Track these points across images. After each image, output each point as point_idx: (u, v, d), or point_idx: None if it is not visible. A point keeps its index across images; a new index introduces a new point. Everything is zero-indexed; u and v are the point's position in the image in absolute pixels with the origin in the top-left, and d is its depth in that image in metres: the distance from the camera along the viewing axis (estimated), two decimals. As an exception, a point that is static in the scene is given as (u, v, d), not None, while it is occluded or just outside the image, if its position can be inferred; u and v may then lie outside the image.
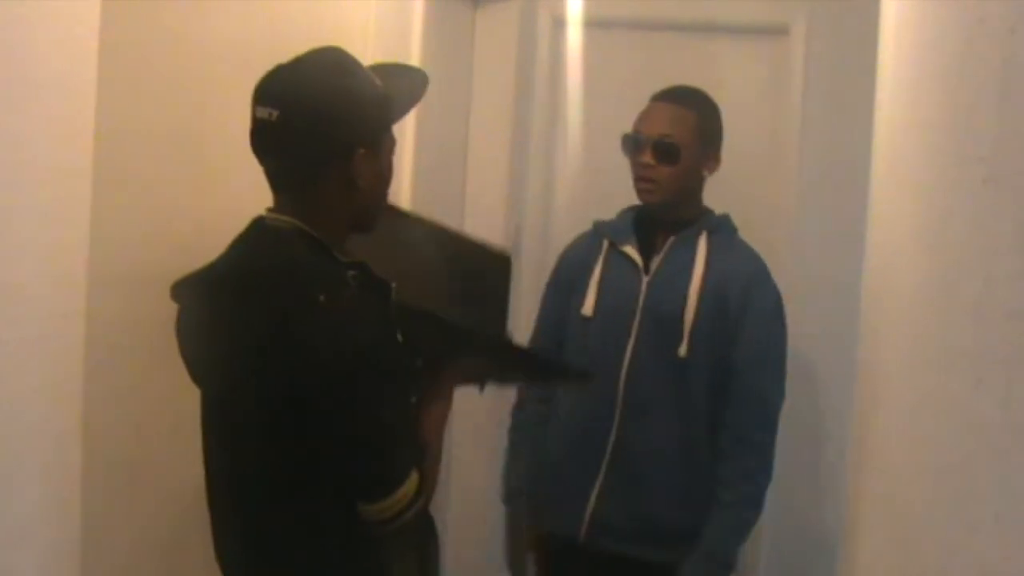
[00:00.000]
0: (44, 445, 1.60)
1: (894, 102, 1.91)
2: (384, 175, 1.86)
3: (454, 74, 3.36)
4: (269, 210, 1.82)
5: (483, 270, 2.15)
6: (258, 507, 1.77)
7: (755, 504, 2.54)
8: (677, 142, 2.57)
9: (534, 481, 2.77)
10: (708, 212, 2.70)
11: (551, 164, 3.55)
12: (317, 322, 1.66)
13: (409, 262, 1.97)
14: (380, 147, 1.83)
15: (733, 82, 3.00)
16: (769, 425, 2.55)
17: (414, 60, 2.87)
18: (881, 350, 1.93)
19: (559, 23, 3.49)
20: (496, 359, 2.11)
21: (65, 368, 1.64)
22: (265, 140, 1.76)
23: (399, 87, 1.90)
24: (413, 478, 1.74)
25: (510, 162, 3.51)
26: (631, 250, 2.66)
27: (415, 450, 1.79)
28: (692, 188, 2.66)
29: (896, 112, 1.88)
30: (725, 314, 2.55)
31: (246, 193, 2.17)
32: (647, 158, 2.58)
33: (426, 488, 1.77)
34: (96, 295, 1.69)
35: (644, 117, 2.65)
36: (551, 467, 2.74)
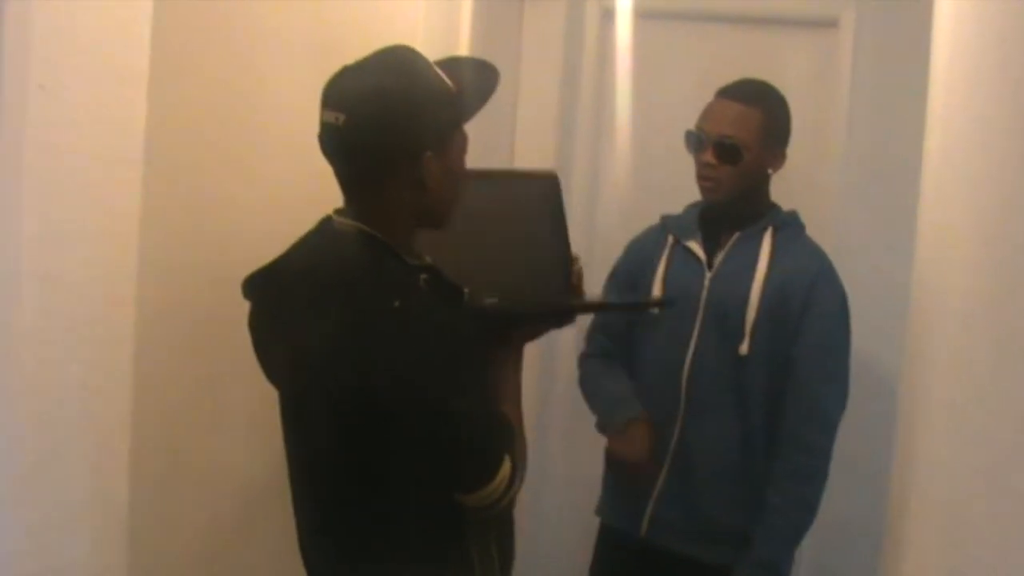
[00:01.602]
0: (92, 433, 1.60)
1: (949, 93, 1.89)
2: (453, 175, 1.82)
3: (501, 68, 3.33)
4: (337, 211, 1.81)
5: (532, 195, 2.10)
6: (339, 502, 1.78)
7: (808, 508, 2.48)
8: (739, 143, 2.51)
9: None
10: (775, 208, 2.65)
11: (598, 158, 3.54)
12: (392, 326, 1.65)
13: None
14: (449, 148, 1.80)
15: (781, 74, 2.93)
16: (826, 427, 2.49)
17: (462, 53, 2.86)
18: (930, 345, 1.90)
19: (607, 15, 3.48)
20: (569, 318, 2.12)
21: (113, 357, 1.63)
22: (332, 144, 1.75)
23: (470, 84, 1.86)
24: (507, 462, 1.75)
25: (557, 157, 3.50)
26: (695, 245, 2.63)
27: (505, 434, 1.79)
28: (755, 186, 2.61)
29: (951, 103, 1.85)
30: (787, 313, 2.50)
31: (294, 184, 2.20)
32: (708, 157, 2.53)
33: (519, 468, 1.78)
34: (145, 284, 1.69)
35: (707, 114, 2.59)
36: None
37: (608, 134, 3.50)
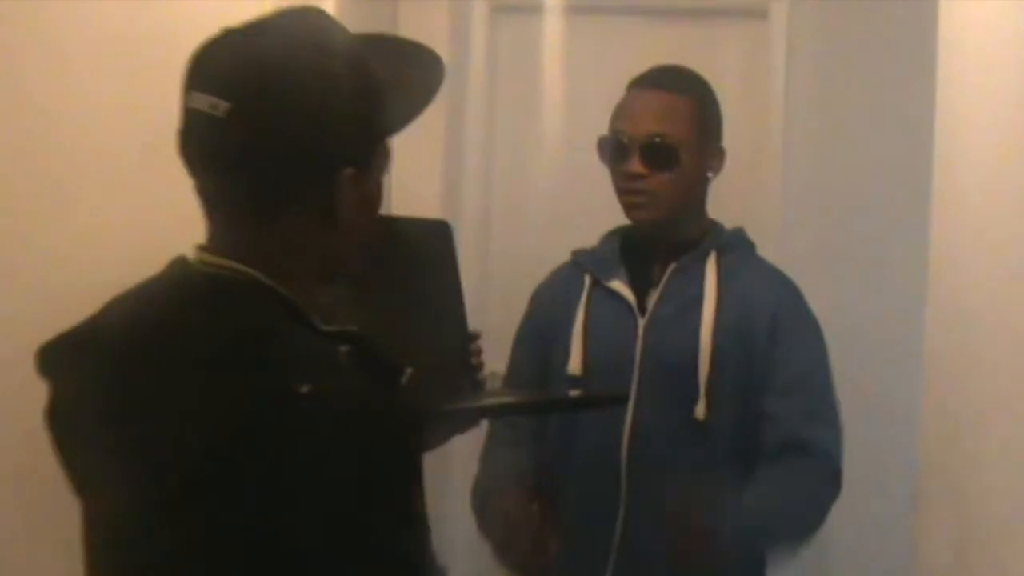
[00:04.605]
0: None
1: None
2: (371, 204, 1.32)
3: None
4: (201, 248, 1.27)
5: (424, 245, 1.76)
6: None
7: (808, 522, 2.02)
8: (673, 141, 2.03)
9: None
10: (716, 227, 2.18)
11: (490, 177, 3.21)
12: (299, 424, 1.13)
13: None
14: (372, 165, 1.29)
15: (705, 72, 2.61)
16: (828, 422, 2.05)
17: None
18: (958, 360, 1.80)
19: (499, 10, 3.20)
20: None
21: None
22: (203, 143, 1.22)
23: (405, 76, 1.41)
24: None
25: (443, 175, 3.14)
26: (620, 286, 2.13)
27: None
28: (695, 197, 2.13)
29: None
30: (750, 357, 2.04)
31: (120, 218, 1.82)
32: (635, 166, 2.03)
33: None
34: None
35: (626, 111, 2.10)
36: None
37: (503, 149, 3.19)
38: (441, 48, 3.03)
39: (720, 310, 2.05)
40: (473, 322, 2.79)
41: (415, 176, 3.03)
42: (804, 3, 3.03)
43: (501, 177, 3.17)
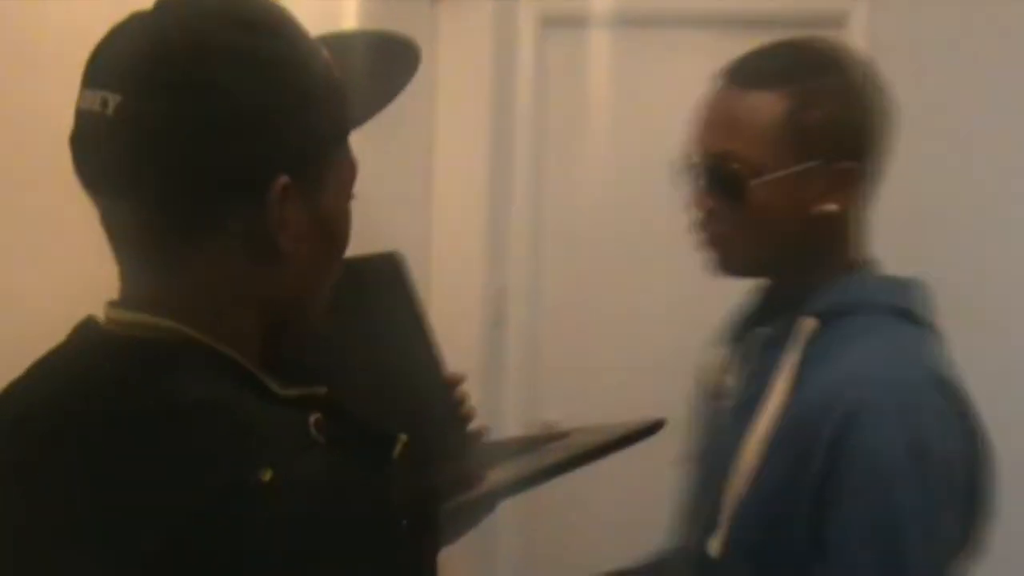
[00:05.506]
0: None
1: None
2: (333, 224, 1.02)
3: (411, 86, 2.73)
4: (113, 304, 1.00)
5: (374, 285, 1.42)
6: None
7: None
8: (738, 163, 1.37)
9: None
10: (839, 280, 1.41)
11: (541, 202, 2.97)
12: (259, 522, 0.86)
13: None
14: (324, 174, 1.00)
15: None
16: None
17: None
18: None
19: (547, 24, 2.95)
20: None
21: None
22: (91, 153, 0.94)
23: (362, 64, 1.10)
24: None
25: (488, 199, 2.91)
26: (712, 363, 1.58)
27: None
28: (797, 241, 1.41)
29: None
30: (799, 490, 1.30)
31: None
32: (696, 198, 1.44)
33: None
34: None
35: (696, 123, 1.46)
36: None
37: (553, 171, 2.94)
38: (487, 65, 2.90)
39: (783, 412, 1.37)
40: (533, 348, 2.59)
41: (459, 200, 2.92)
42: (885, 10, 2.78)
43: (551, 200, 2.97)
